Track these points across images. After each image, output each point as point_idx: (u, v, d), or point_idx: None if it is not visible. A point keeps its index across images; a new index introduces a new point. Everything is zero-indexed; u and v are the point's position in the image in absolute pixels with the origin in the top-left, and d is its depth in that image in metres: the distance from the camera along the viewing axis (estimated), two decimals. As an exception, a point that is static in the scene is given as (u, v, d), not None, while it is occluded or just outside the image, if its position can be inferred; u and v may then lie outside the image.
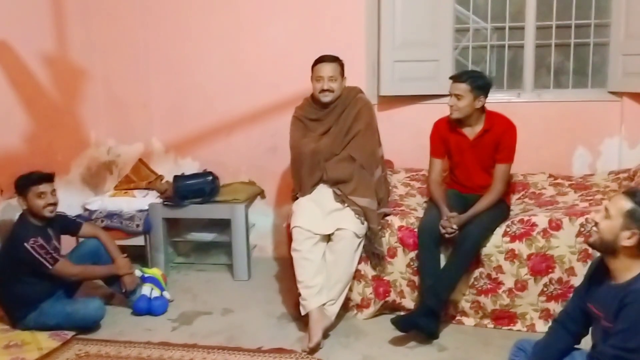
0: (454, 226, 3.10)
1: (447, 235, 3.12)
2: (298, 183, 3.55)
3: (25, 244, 3.13)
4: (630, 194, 2.11)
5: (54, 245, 3.32)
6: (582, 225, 3.07)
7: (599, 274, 2.23)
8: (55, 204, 3.30)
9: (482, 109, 3.28)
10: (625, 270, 2.09)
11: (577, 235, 3.08)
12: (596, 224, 2.15)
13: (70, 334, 3.23)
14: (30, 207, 3.25)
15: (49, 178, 3.30)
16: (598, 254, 2.28)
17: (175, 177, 4.11)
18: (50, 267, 3.18)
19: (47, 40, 4.08)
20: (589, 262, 2.80)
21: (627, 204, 2.07)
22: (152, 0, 4.41)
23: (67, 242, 3.62)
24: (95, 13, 4.43)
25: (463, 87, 3.18)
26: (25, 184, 3.25)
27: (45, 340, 3.14)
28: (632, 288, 2.05)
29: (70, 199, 4.05)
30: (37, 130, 3.93)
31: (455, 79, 3.24)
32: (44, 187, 3.24)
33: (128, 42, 4.49)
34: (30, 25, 3.92)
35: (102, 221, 4.06)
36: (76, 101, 4.37)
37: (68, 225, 3.51)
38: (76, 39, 4.31)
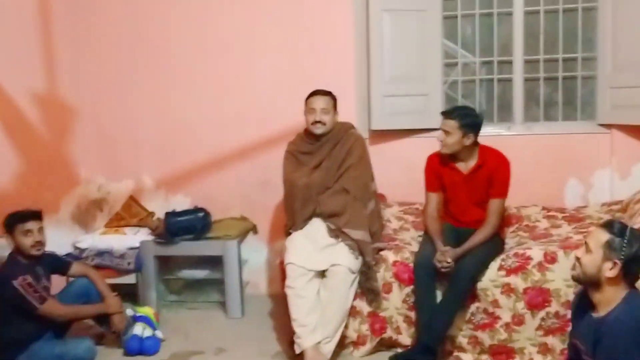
0: (449, 260, 3.08)
1: (442, 270, 3.10)
2: (291, 217, 3.54)
3: (13, 282, 3.07)
4: (607, 225, 2.15)
5: (44, 284, 3.25)
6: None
7: (582, 307, 2.24)
8: (42, 242, 3.24)
9: (475, 143, 3.29)
10: (607, 302, 2.11)
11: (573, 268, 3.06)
12: (578, 259, 2.17)
13: (59, 377, 3.15)
14: (17, 245, 3.20)
15: (35, 216, 3.25)
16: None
17: (167, 213, 4.07)
18: (38, 306, 3.11)
19: (36, 78, 4.09)
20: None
21: (604, 236, 2.10)
22: (141, 38, 4.42)
23: (57, 282, 3.56)
24: (85, 52, 4.45)
25: (451, 124, 3.19)
26: (11, 222, 3.20)
27: (35, 384, 3.07)
28: (606, 319, 2.06)
29: (60, 238, 4.01)
30: (26, 169, 3.90)
31: (445, 115, 3.26)
32: (30, 225, 3.19)
33: (117, 80, 4.49)
34: (20, 63, 3.93)
35: (93, 259, 4.00)
36: (66, 139, 4.36)
37: (57, 264, 3.46)
38: (65, 77, 4.33)
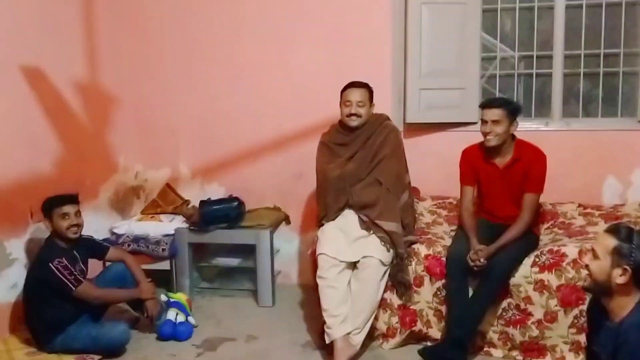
0: (482, 260, 3.06)
1: (475, 268, 3.08)
2: (323, 208, 3.55)
3: (50, 264, 3.16)
4: (613, 230, 2.10)
5: (80, 267, 3.34)
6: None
7: (597, 316, 2.21)
8: (79, 225, 3.33)
9: (513, 137, 3.25)
10: (620, 309, 2.07)
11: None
12: (587, 267, 2.14)
13: (96, 357, 3.24)
14: (55, 228, 3.29)
15: (72, 199, 3.34)
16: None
17: (202, 202, 4.13)
18: (73, 288, 3.18)
19: (79, 67, 4.17)
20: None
21: (611, 242, 2.06)
22: (181, 28, 4.49)
23: (95, 267, 3.65)
24: (125, 42, 4.53)
25: (499, 113, 3.15)
26: (49, 205, 3.30)
27: (72, 364, 3.16)
28: (623, 327, 2.02)
29: (98, 223, 4.11)
30: (68, 156, 3.99)
31: (489, 105, 3.21)
32: (67, 208, 3.28)
33: (157, 70, 4.57)
34: (63, 53, 4.01)
35: (129, 245, 4.08)
36: (106, 127, 4.45)
37: (95, 248, 3.55)
38: (107, 66, 4.41)
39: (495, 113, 3.16)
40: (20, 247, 3.60)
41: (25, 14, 3.66)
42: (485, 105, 3.24)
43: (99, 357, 3.25)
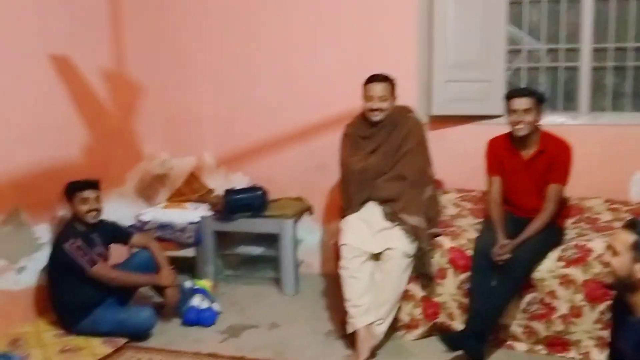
0: (507, 255, 3.05)
1: (499, 263, 3.07)
2: (346, 200, 3.55)
3: (64, 245, 3.23)
4: (631, 225, 2.09)
5: (99, 250, 3.39)
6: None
7: (621, 312, 2.20)
8: (98, 210, 3.39)
9: (538, 128, 3.24)
10: None
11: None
12: (608, 264, 2.13)
13: (122, 340, 3.30)
14: (75, 212, 3.37)
15: (93, 185, 3.40)
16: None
17: (226, 191, 4.17)
18: (87, 269, 3.24)
19: (106, 57, 4.23)
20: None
21: (630, 237, 2.05)
22: (206, 19, 4.52)
23: (121, 253, 3.70)
24: (152, 32, 4.57)
25: (529, 101, 3.15)
26: (71, 190, 3.37)
27: (99, 346, 3.23)
28: None
29: (124, 210, 4.17)
30: (95, 143, 4.05)
31: (518, 94, 3.20)
32: (88, 193, 3.34)
33: (183, 59, 4.61)
34: (91, 42, 4.07)
35: (155, 232, 4.14)
36: (132, 115, 4.50)
37: (117, 233, 3.60)
38: (133, 56, 4.46)
39: (525, 102, 3.15)
40: (48, 232, 3.67)
41: (53, 4, 3.71)
42: (513, 95, 3.22)
43: (125, 340, 3.30)
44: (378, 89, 3.44)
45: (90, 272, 3.25)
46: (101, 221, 3.45)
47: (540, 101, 3.19)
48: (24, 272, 3.50)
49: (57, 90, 3.76)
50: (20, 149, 3.48)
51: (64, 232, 3.36)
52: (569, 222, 3.55)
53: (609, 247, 2.13)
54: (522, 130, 3.18)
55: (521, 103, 3.15)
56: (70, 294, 3.31)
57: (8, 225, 3.39)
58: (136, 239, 3.64)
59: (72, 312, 3.33)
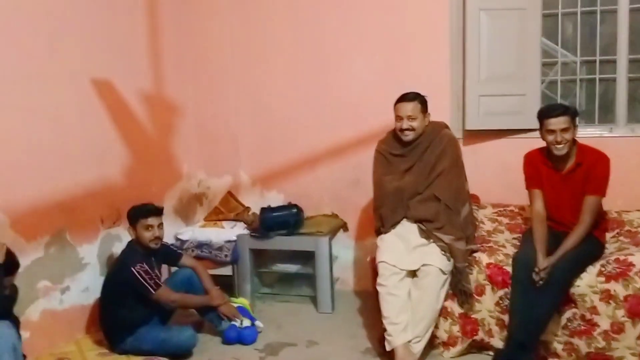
0: (545, 277, 3.02)
1: (539, 283, 3.03)
2: (379, 219, 3.53)
3: (132, 268, 3.31)
4: None
5: (156, 273, 3.49)
6: (683, 266, 2.93)
7: None
8: (160, 237, 3.49)
9: (574, 141, 3.21)
10: None
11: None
12: None
13: (163, 359, 3.34)
14: (138, 237, 3.45)
15: (158, 212, 3.51)
16: None
17: (262, 209, 4.22)
18: (153, 292, 3.34)
19: (144, 79, 4.32)
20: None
21: None
22: (241, 41, 4.61)
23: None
24: (188, 53, 4.68)
25: (566, 120, 3.12)
26: (135, 215, 3.47)
27: (141, 365, 3.29)
28: None
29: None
30: (134, 164, 4.14)
31: (554, 114, 3.15)
32: (152, 220, 3.44)
33: (218, 80, 4.70)
34: (130, 65, 4.17)
35: (193, 251, 4.21)
36: (170, 136, 4.59)
37: (170, 255, 3.70)
38: (171, 78, 4.55)
39: (562, 120, 3.12)
40: (92, 253, 3.76)
41: (95, 29, 3.82)
42: (549, 115, 3.17)
43: (166, 359, 3.34)
44: (407, 108, 3.42)
45: (155, 295, 3.35)
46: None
47: (574, 116, 3.17)
48: (68, 292, 3.59)
49: (99, 113, 3.86)
50: (64, 171, 3.58)
51: (128, 254, 3.45)
52: (608, 235, 3.50)
53: None
54: (562, 149, 3.15)
55: (559, 122, 3.11)
56: (122, 312, 3.39)
57: (53, 246, 3.48)
58: (184, 260, 3.74)
59: (119, 329, 3.41)
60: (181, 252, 3.76)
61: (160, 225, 3.49)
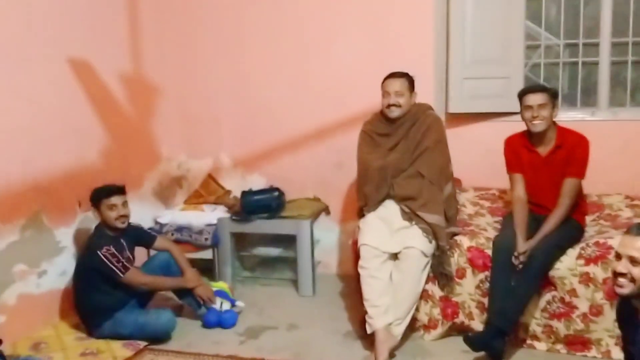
0: (525, 260, 3.03)
1: (517, 268, 3.04)
2: (363, 197, 3.53)
3: (99, 252, 3.26)
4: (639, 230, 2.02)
5: (127, 255, 3.43)
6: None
7: (628, 316, 2.15)
8: (126, 216, 3.43)
9: (554, 124, 3.21)
10: None
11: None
12: (622, 275, 2.03)
13: (142, 343, 3.32)
14: (103, 218, 3.39)
15: (120, 190, 3.44)
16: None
17: (243, 192, 4.18)
18: (121, 275, 3.29)
19: (123, 59, 4.25)
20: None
21: None
22: (223, 21, 4.53)
23: (139, 256, 3.73)
24: (169, 34, 4.60)
25: (543, 97, 3.14)
26: (97, 196, 3.40)
27: (119, 349, 3.25)
28: None
29: (142, 212, 4.19)
30: (113, 146, 4.08)
31: (532, 90, 3.19)
32: (115, 200, 3.37)
33: (199, 61, 4.63)
34: (109, 45, 4.09)
35: (172, 234, 4.17)
36: (150, 118, 4.52)
37: (143, 236, 3.64)
38: (151, 58, 4.48)
39: (539, 97, 3.14)
40: (69, 236, 3.71)
41: (72, 8, 3.74)
42: (527, 91, 3.21)
43: (145, 343, 3.33)
44: (395, 84, 3.43)
45: (124, 278, 3.30)
46: (128, 225, 3.49)
47: (554, 96, 3.18)
48: (44, 276, 3.54)
49: (76, 94, 3.79)
50: (40, 153, 3.51)
51: (95, 238, 3.40)
52: (588, 219, 3.51)
53: (622, 256, 2.04)
54: (538, 125, 3.15)
55: (535, 99, 3.14)
56: (96, 297, 3.34)
57: (29, 229, 3.43)
58: (159, 242, 3.68)
59: (95, 314, 3.37)
60: (155, 235, 3.71)
61: (125, 203, 3.43)
